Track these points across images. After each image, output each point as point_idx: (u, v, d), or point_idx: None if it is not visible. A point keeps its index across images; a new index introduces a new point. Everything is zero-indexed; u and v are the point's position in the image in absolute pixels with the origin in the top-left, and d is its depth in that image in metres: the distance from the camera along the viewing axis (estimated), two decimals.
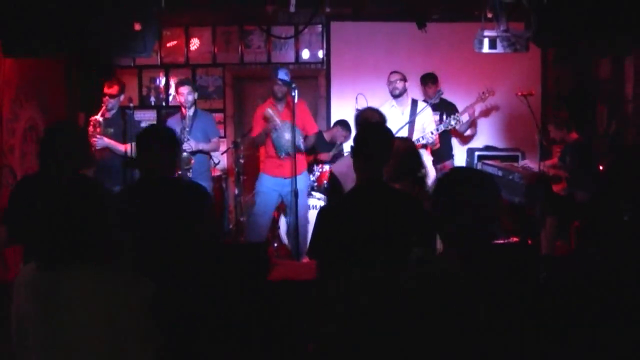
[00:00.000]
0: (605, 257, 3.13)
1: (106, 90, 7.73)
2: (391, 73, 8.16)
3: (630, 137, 8.13)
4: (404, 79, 8.10)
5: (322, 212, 4.18)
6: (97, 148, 7.55)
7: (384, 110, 8.08)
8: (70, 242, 2.76)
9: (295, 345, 4.52)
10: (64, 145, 4.58)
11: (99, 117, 7.62)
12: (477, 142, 9.80)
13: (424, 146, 8.02)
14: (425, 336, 2.71)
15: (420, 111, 8.04)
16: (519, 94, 8.64)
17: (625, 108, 8.28)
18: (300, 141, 7.67)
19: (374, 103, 8.68)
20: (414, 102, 8.14)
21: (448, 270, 2.77)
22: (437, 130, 8.04)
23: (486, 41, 7.00)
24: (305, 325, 4.02)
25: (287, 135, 7.55)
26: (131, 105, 7.96)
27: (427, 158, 8.15)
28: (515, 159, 9.27)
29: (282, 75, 7.78)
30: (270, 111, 7.66)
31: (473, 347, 2.67)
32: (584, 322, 2.89)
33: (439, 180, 3.12)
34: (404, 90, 8.07)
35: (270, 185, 7.92)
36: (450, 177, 3.05)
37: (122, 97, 7.90)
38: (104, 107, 7.72)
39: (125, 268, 2.88)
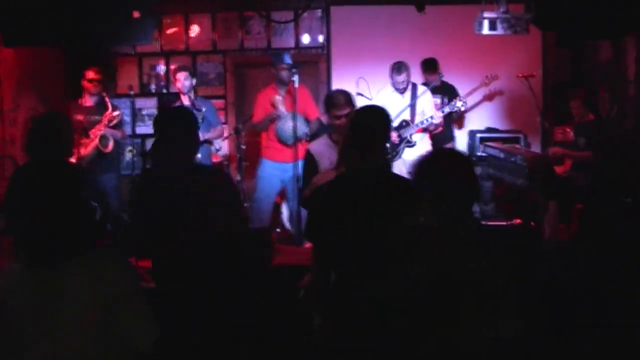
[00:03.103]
0: (606, 242, 3.13)
1: (93, 76, 7.66)
2: (397, 73, 8.01)
3: (632, 120, 8.11)
4: (408, 75, 8.05)
5: (318, 192, 4.16)
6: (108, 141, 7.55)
7: (385, 94, 8.11)
8: (57, 237, 2.78)
9: (300, 331, 4.54)
10: (46, 136, 4.58)
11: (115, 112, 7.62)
12: (479, 124, 9.77)
13: (424, 130, 8.04)
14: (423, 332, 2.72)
15: (420, 95, 8.05)
16: (520, 75, 8.64)
17: (626, 91, 8.25)
18: (304, 130, 7.67)
19: (374, 86, 8.72)
20: (414, 86, 8.15)
21: (455, 266, 2.77)
22: (443, 112, 8.06)
23: (486, 23, 6.97)
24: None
25: (291, 124, 7.56)
26: (132, 92, 7.95)
27: (426, 142, 8.17)
28: (516, 140, 9.25)
29: (288, 59, 7.83)
30: (278, 98, 7.67)
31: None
32: (584, 312, 2.89)
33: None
34: (407, 85, 8.05)
35: (272, 171, 7.94)
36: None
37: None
38: (86, 95, 7.67)
39: (115, 254, 2.91)
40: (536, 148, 9.34)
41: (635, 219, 3.59)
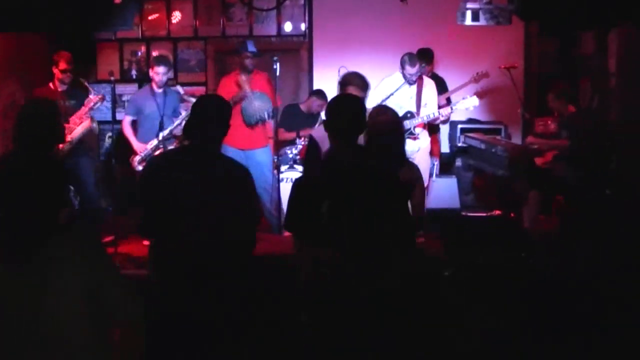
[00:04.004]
0: (588, 235, 3.14)
1: (65, 66, 7.59)
2: (411, 65, 7.78)
3: (614, 112, 8.14)
4: (420, 67, 7.97)
5: (297, 184, 4.14)
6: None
7: (392, 81, 7.99)
8: (37, 232, 2.75)
9: (283, 319, 4.53)
10: (36, 123, 4.52)
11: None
12: (460, 115, 9.78)
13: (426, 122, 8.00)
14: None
15: (425, 87, 8.01)
16: (502, 67, 8.64)
17: (608, 83, 8.28)
18: (269, 109, 7.69)
19: (381, 76, 8.62)
20: (420, 78, 8.08)
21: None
22: (455, 105, 8.02)
23: (469, 13, 6.97)
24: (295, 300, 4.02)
25: (257, 103, 7.60)
26: (112, 78, 7.89)
27: (426, 134, 8.13)
28: (497, 132, 9.27)
29: (252, 47, 7.86)
30: (243, 77, 7.69)
31: None
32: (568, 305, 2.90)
33: None
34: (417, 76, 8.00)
35: (234, 157, 7.88)
36: None
37: None
38: (57, 82, 7.61)
39: (88, 234, 2.89)
40: (517, 139, 9.36)
41: (615, 212, 3.61)
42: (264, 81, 7.97)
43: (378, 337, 3.38)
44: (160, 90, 7.80)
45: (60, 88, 7.57)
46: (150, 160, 7.30)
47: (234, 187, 4.17)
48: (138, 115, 7.89)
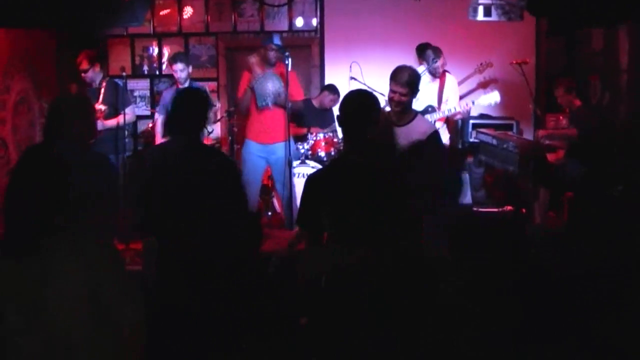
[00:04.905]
0: (595, 233, 3.13)
1: (78, 68, 7.70)
2: (439, 57, 7.88)
3: (624, 109, 8.10)
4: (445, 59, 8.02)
5: (308, 179, 4.14)
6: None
7: None
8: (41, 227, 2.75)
9: (289, 318, 4.52)
10: (69, 119, 4.50)
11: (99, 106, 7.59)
12: (472, 111, 9.74)
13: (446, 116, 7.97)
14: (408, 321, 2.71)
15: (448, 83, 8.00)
16: (514, 62, 8.60)
17: (619, 79, 8.24)
18: (281, 89, 7.57)
19: (369, 71, 8.67)
20: (442, 73, 8.07)
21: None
22: (473, 102, 8.00)
23: (481, 9, 6.95)
24: (296, 298, 4.02)
25: (270, 85, 7.50)
26: (124, 74, 7.92)
27: (445, 129, 8.11)
28: (509, 127, 9.23)
29: (277, 40, 7.74)
30: (253, 59, 7.59)
31: None
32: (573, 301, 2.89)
33: None
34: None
35: (256, 152, 7.84)
36: None
37: (97, 68, 7.80)
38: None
39: (94, 233, 2.89)
40: (529, 135, 9.32)
41: (626, 208, 3.59)
42: (290, 77, 7.87)
43: (378, 337, 3.38)
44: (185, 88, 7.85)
45: (92, 86, 7.70)
46: (139, 156, 7.34)
47: (217, 176, 4.24)
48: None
